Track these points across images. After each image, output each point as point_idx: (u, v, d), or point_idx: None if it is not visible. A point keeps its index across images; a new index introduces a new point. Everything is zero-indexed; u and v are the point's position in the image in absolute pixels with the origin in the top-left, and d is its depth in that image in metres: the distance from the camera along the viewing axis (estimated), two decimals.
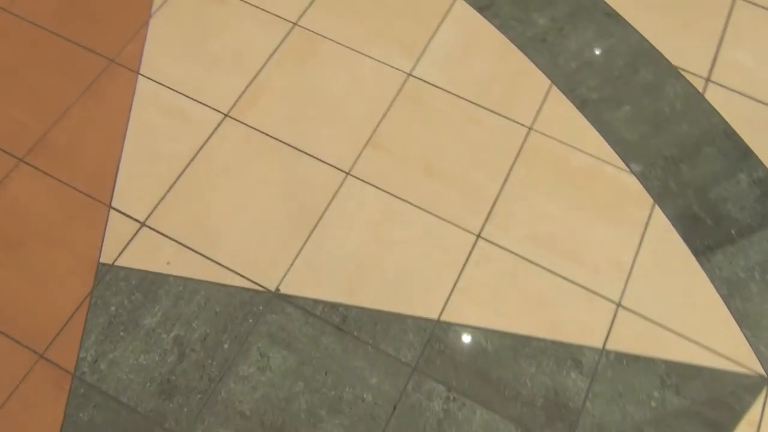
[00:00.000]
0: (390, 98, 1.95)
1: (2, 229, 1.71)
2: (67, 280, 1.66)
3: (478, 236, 1.77)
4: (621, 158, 1.89)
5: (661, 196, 1.84)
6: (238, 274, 1.69)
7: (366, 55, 2.02)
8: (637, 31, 2.09)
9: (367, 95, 1.95)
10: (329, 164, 1.84)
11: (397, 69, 2.00)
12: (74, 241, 1.70)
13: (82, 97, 1.90)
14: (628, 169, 1.87)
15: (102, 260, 1.69)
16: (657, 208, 1.83)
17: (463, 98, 1.96)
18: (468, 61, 2.02)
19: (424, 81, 1.98)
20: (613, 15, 2.11)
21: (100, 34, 2.00)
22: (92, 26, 2.01)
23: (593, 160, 1.88)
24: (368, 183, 1.82)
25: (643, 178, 1.87)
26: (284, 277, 1.69)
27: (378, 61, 2.01)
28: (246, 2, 2.09)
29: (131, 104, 1.90)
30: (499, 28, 2.09)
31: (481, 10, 2.11)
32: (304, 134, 1.88)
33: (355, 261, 1.72)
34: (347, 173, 1.83)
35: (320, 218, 1.77)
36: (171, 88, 1.93)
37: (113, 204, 1.75)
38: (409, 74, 1.99)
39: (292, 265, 1.71)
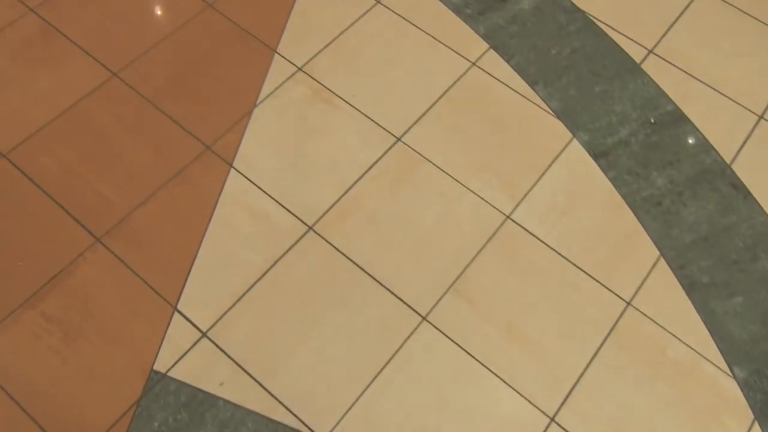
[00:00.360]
0: (483, 240, 1.83)
1: (65, 313, 1.66)
2: (117, 382, 1.59)
3: (552, 419, 1.61)
4: (724, 358, 1.71)
5: (763, 412, 1.65)
6: (290, 411, 1.59)
7: (465, 187, 1.90)
8: (765, 212, 1.90)
9: (460, 232, 1.83)
10: (406, 304, 1.73)
11: (495, 208, 1.87)
12: (133, 339, 1.64)
13: (171, 182, 1.86)
14: (730, 373, 1.69)
15: (156, 367, 1.62)
16: (756, 426, 1.63)
17: (560, 254, 1.81)
18: (573, 213, 1.88)
19: (523, 227, 1.85)
20: (740, 188, 1.94)
21: (201, 118, 1.96)
22: (195, 108, 1.97)
23: (692, 355, 1.70)
24: (443, 333, 1.70)
25: (745, 386, 1.67)
26: (336, 425, 1.58)
27: (477, 195, 1.89)
28: (353, 106, 2.01)
29: (218, 198, 1.84)
30: (613, 181, 1.94)
31: (596, 157, 1.97)
32: (385, 264, 1.78)
33: (413, 423, 1.59)
34: (423, 318, 1.71)
35: (386, 364, 1.65)
36: (260, 188, 1.86)
37: (179, 306, 1.69)
38: (508, 217, 1.86)
39: (347, 412, 1.59)
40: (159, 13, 2.14)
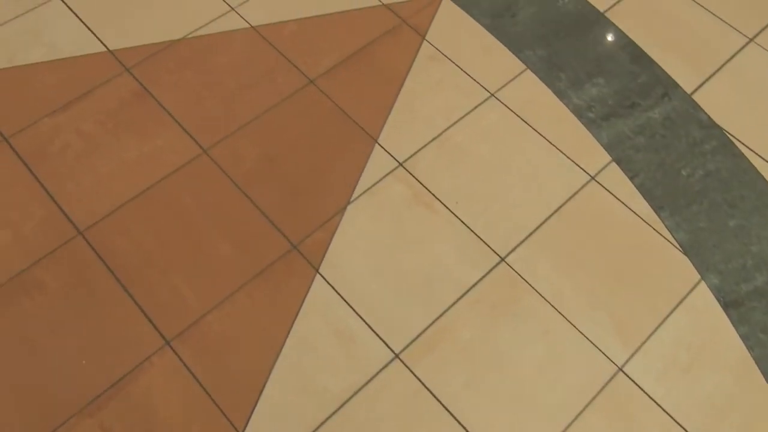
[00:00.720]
0: (590, 394, 1.60)
1: (124, 428, 1.52)
2: None
3: None
4: None
5: None
6: None
7: (574, 326, 1.68)
8: None
9: (564, 382, 1.61)
10: None
11: (606, 356, 1.65)
12: None
13: (251, 283, 1.70)
14: None
15: None
16: None
17: (678, 423, 1.58)
18: (696, 372, 1.64)
19: (637, 384, 1.62)
20: None
21: (290, 210, 1.80)
22: (285, 198, 1.82)
23: None
24: None
25: None
26: None
27: (587, 338, 1.67)
28: (455, 215, 1.82)
29: (300, 309, 1.68)
30: (745, 339, 1.69)
31: (726, 306, 1.73)
32: (477, 410, 1.57)
33: None
34: None
35: None
36: (346, 301, 1.69)
37: None
38: (620, 369, 1.64)
39: None
40: (257, 85, 2.00)
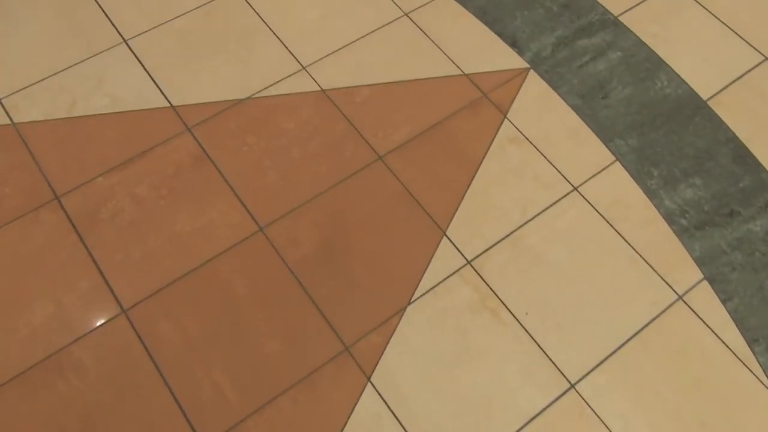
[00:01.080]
0: None
1: None
2: None
3: None
4: None
5: None
6: None
7: None
8: None
9: None
10: None
11: None
12: None
13: (297, 386, 1.58)
14: None
15: None
16: None
17: None
18: None
19: None
20: None
21: (345, 306, 1.67)
22: (341, 291, 1.69)
23: None
24: None
25: None
26: None
27: None
28: (524, 327, 1.67)
29: (347, 421, 1.55)
30: None
31: None
32: None
33: None
34: None
35: None
36: (397, 418, 1.56)
37: None
38: None
39: None
40: (322, 157, 1.87)
